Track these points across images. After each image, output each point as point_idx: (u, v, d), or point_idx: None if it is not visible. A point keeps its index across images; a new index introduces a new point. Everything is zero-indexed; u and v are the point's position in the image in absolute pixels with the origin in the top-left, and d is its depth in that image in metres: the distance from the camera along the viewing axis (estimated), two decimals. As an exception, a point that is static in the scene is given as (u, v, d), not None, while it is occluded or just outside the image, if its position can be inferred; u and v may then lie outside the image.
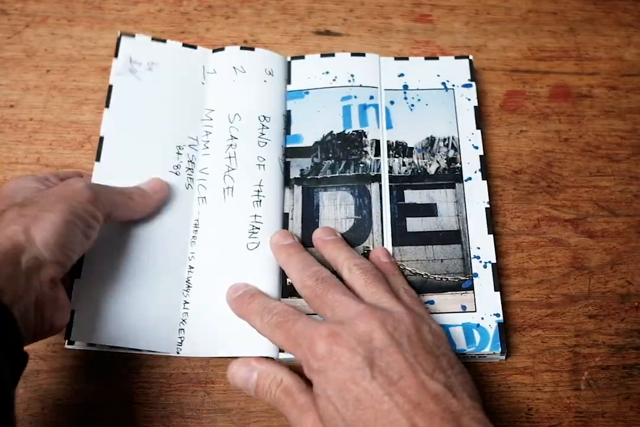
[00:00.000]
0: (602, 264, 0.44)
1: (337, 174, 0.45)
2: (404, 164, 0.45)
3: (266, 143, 0.45)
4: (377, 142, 0.46)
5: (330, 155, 0.45)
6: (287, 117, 0.47)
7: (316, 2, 0.54)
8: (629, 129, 0.49)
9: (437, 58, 0.49)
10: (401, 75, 0.48)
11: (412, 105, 0.47)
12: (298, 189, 0.44)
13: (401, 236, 0.42)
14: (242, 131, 0.45)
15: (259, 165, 0.44)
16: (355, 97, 0.47)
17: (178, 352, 0.39)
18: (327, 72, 0.48)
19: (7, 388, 0.28)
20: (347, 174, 0.45)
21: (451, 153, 0.45)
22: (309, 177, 0.45)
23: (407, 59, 0.49)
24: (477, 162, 0.45)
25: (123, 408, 0.38)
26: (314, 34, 0.53)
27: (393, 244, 0.42)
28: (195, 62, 0.47)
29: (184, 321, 0.40)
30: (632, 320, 0.42)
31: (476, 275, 0.41)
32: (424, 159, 0.45)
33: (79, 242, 0.34)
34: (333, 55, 0.49)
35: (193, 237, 0.42)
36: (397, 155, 0.45)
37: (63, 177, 0.40)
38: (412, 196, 0.44)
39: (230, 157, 0.44)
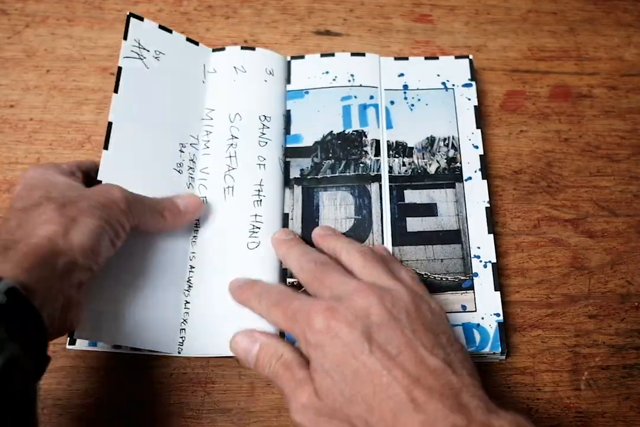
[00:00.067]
0: (602, 264, 0.44)
1: (337, 174, 0.45)
2: (404, 164, 0.45)
3: (267, 143, 0.45)
4: (377, 142, 0.46)
5: (330, 155, 0.45)
6: (287, 117, 0.47)
7: (316, 2, 0.54)
8: (629, 129, 0.49)
9: (437, 58, 0.49)
10: (401, 75, 0.48)
11: (412, 105, 0.47)
12: (298, 189, 0.44)
13: (401, 236, 0.42)
14: (242, 131, 0.45)
15: (259, 165, 0.44)
16: (355, 97, 0.47)
17: (179, 352, 0.39)
18: (327, 72, 0.48)
19: (35, 389, 0.29)
20: (347, 174, 0.45)
21: (451, 153, 0.45)
22: (309, 177, 0.45)
23: (407, 59, 0.49)
24: (477, 161, 0.45)
25: (123, 408, 0.38)
26: (314, 34, 0.53)
27: (393, 244, 0.42)
28: (197, 59, 0.47)
29: (185, 320, 0.40)
30: (632, 320, 0.42)
31: (476, 275, 0.41)
32: (424, 158, 0.45)
33: (107, 250, 0.34)
34: (333, 55, 0.49)
35: (194, 236, 0.42)
36: (397, 155, 0.45)
37: (84, 168, 0.40)
38: (412, 196, 0.44)
39: (230, 156, 0.44)
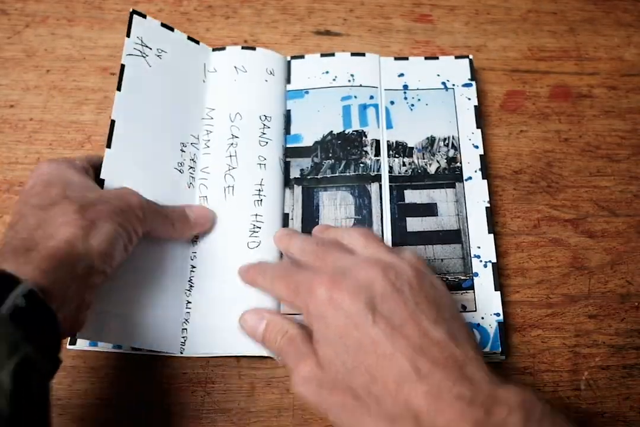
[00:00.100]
0: (602, 264, 0.44)
1: (337, 174, 0.45)
2: (404, 164, 0.45)
3: (267, 142, 0.45)
4: (377, 142, 0.46)
5: (330, 155, 0.45)
6: (287, 117, 0.47)
7: (316, 2, 0.54)
8: (629, 129, 0.49)
9: (437, 58, 0.49)
10: (401, 75, 0.48)
11: (412, 105, 0.47)
12: (298, 189, 0.44)
13: (401, 236, 0.42)
14: (243, 130, 0.45)
15: (259, 164, 0.44)
16: (355, 97, 0.47)
17: (181, 352, 0.39)
18: (327, 72, 0.48)
19: (48, 388, 0.29)
20: (347, 174, 0.45)
21: (451, 153, 0.45)
22: (309, 177, 0.45)
23: (407, 59, 0.49)
24: (477, 161, 0.45)
25: (123, 408, 0.38)
26: (314, 34, 0.53)
27: (393, 244, 0.42)
28: (198, 58, 0.47)
29: (186, 320, 0.40)
30: (632, 320, 0.42)
31: (476, 274, 0.41)
32: (424, 158, 0.45)
33: (120, 254, 0.35)
34: (333, 55, 0.49)
35: (194, 236, 0.42)
36: (397, 155, 0.45)
37: (93, 164, 0.40)
38: (412, 196, 0.44)
39: (231, 156, 0.44)
